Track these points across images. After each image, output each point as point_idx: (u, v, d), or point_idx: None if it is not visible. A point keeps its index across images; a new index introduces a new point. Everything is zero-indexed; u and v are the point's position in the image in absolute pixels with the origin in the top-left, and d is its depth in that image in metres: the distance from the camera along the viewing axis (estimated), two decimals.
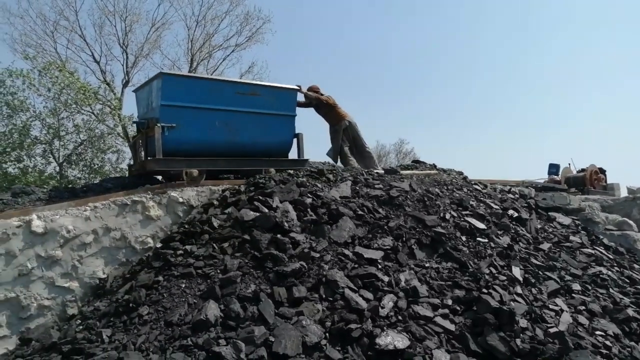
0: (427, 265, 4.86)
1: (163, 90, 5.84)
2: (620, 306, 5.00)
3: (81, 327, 3.99)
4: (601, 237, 7.07)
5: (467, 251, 5.22)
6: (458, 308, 4.33)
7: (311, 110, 8.37)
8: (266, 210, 4.95)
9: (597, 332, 4.42)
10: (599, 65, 56.20)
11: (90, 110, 14.04)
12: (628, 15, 53.91)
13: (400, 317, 4.03)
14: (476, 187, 7.26)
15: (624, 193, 10.55)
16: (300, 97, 7.86)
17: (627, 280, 5.78)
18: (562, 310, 4.60)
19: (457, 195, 6.50)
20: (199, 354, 3.42)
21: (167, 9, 22.34)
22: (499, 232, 5.89)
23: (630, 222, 7.52)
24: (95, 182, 10.20)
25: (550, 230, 6.70)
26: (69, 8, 16.80)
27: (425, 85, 54.94)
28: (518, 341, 3.90)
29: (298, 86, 7.54)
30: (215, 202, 5.55)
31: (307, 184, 5.75)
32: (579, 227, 7.15)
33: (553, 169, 12.80)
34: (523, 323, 4.12)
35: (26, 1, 17.99)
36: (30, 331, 4.21)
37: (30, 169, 12.59)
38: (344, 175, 6.39)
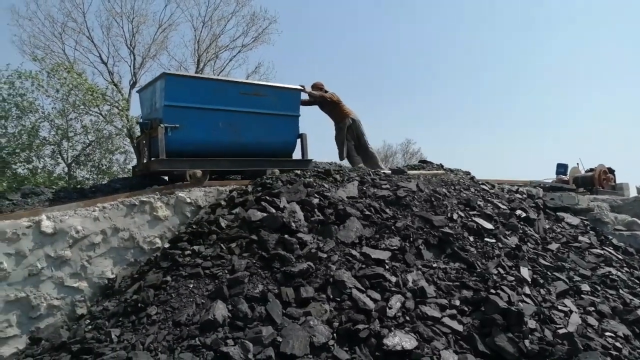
0: (434, 265, 4.85)
1: (166, 90, 5.84)
2: (630, 307, 4.96)
3: (90, 326, 4.01)
4: (610, 237, 7.01)
5: (475, 251, 5.20)
6: (466, 309, 4.31)
7: (315, 110, 8.35)
8: (273, 211, 4.96)
9: (607, 334, 4.39)
10: (606, 64, 55.83)
11: (98, 111, 14.14)
12: (630, 15, 53.44)
13: (407, 318, 4.02)
14: (483, 187, 7.23)
15: (633, 193, 10.48)
16: (304, 96, 7.84)
17: (637, 281, 5.73)
18: (571, 311, 4.57)
19: (465, 195, 6.48)
20: (207, 354, 3.43)
21: (174, 10, 22.33)
22: (507, 233, 5.86)
23: None
24: (103, 182, 10.27)
25: (559, 230, 6.66)
26: (76, 10, 16.92)
27: (432, 85, 54.83)
28: (527, 342, 3.88)
29: (302, 86, 7.52)
30: (223, 203, 5.57)
31: (314, 184, 5.76)
32: (588, 228, 7.10)
33: (561, 168, 12.73)
34: (531, 324, 4.10)
35: (35, 3, 18.07)
36: (40, 331, 4.24)
37: (39, 170, 12.68)
38: (350, 175, 6.39)
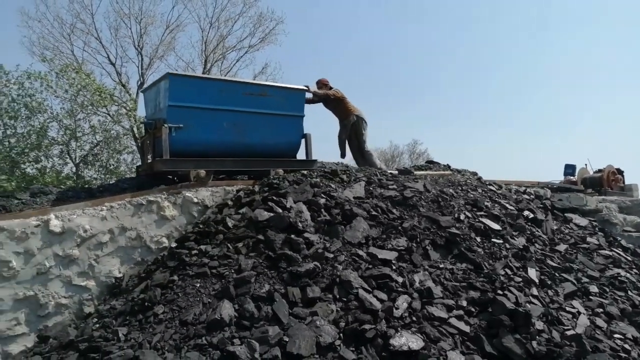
0: (441, 266, 4.83)
1: (170, 90, 5.84)
2: (639, 309, 4.92)
3: (98, 325, 4.04)
4: (619, 238, 6.96)
5: (482, 252, 5.18)
6: (473, 309, 4.29)
7: (320, 110, 8.29)
8: (280, 211, 4.96)
9: (616, 335, 4.35)
10: (614, 65, 55.39)
11: (106, 112, 14.22)
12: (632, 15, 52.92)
13: (414, 318, 4.01)
14: (491, 187, 7.20)
15: None
16: (309, 95, 7.79)
17: None
18: (579, 313, 4.54)
19: (472, 195, 6.45)
20: (214, 353, 3.44)
21: (181, 11, 22.52)
22: (514, 233, 5.83)
23: None
24: (111, 182, 10.32)
25: (567, 231, 6.61)
26: (85, 11, 17.08)
27: (439, 85, 54.66)
28: (534, 343, 3.86)
29: (306, 86, 7.49)
30: (230, 202, 5.58)
31: (321, 184, 5.76)
32: (596, 229, 7.04)
33: (569, 169, 12.62)
34: (539, 325, 4.08)
35: (44, 5, 18.27)
36: (48, 329, 4.28)
37: (47, 170, 12.77)
38: (357, 175, 6.38)
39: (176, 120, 5.84)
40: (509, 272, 4.90)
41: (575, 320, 4.41)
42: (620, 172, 11.24)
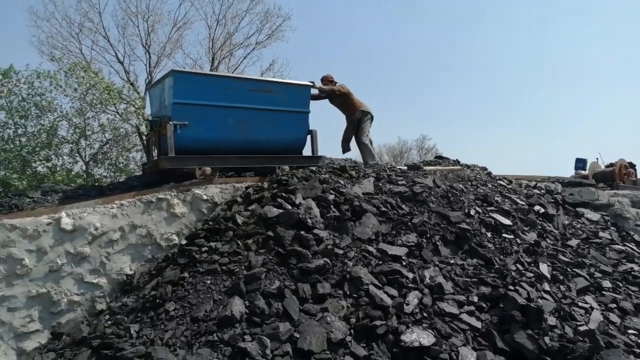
0: (452, 261, 4.81)
1: (175, 88, 5.82)
2: None
3: (110, 322, 4.07)
4: (632, 233, 6.90)
5: (493, 247, 5.15)
6: (484, 305, 4.27)
7: (326, 107, 8.25)
8: (289, 207, 4.96)
9: (630, 331, 4.31)
10: (626, 59, 54.74)
11: (115, 110, 14.28)
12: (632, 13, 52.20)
13: (425, 314, 4.00)
14: (501, 182, 7.15)
15: None
16: (314, 91, 7.74)
17: None
18: (592, 308, 4.50)
19: (482, 191, 6.41)
20: (225, 349, 3.45)
21: (188, 9, 22.37)
22: (525, 229, 5.79)
23: None
24: (120, 180, 10.38)
25: (579, 226, 6.56)
26: (93, 10, 17.11)
27: (448, 81, 54.31)
28: (547, 339, 3.83)
29: (311, 82, 7.44)
30: (239, 199, 5.58)
31: (330, 180, 5.74)
32: (609, 223, 6.97)
33: (580, 163, 12.48)
34: (552, 321, 4.05)
35: (52, 4, 18.32)
36: (61, 326, 4.32)
37: (58, 168, 12.87)
38: (366, 171, 6.36)
39: (181, 118, 5.83)
40: (520, 267, 4.87)
41: (588, 315, 4.37)
42: (632, 166, 11.08)
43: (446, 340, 3.76)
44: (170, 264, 4.69)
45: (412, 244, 4.84)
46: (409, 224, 5.14)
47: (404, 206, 5.47)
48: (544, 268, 4.96)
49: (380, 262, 4.50)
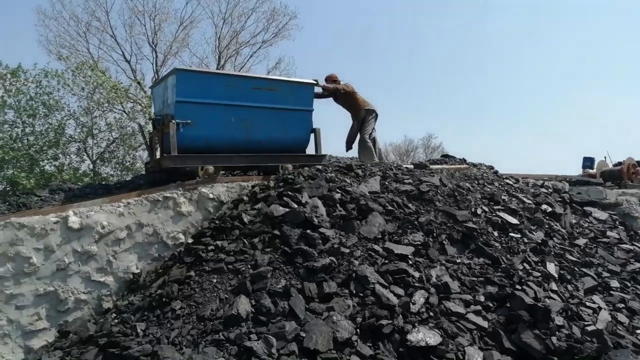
0: (458, 261, 4.79)
1: (178, 86, 5.81)
2: None
3: (116, 320, 4.09)
4: None
5: (500, 247, 5.12)
6: (491, 305, 4.25)
7: (329, 104, 8.20)
8: (295, 206, 4.96)
9: (638, 331, 4.28)
10: (635, 56, 54.23)
11: (122, 109, 14.35)
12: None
13: (431, 314, 3.98)
14: (507, 181, 7.11)
15: None
16: (318, 89, 7.70)
17: None
18: (600, 308, 4.47)
19: (489, 189, 6.38)
20: (231, 348, 3.45)
21: (195, 8, 22.50)
22: (533, 228, 5.75)
23: None
24: (127, 179, 10.42)
25: (586, 225, 6.51)
26: (100, 9, 17.20)
27: (454, 78, 54.09)
28: (554, 339, 3.81)
29: (315, 80, 7.40)
30: (245, 198, 5.59)
31: (336, 179, 5.73)
32: (617, 222, 6.92)
33: (587, 162, 12.40)
34: (559, 321, 4.02)
35: (60, 3, 18.38)
36: (68, 324, 4.34)
37: (65, 167, 12.93)
38: (372, 170, 6.35)
39: (184, 116, 5.81)
40: (527, 266, 4.84)
41: (596, 315, 4.34)
42: None
43: (452, 339, 3.75)
44: (176, 262, 4.70)
45: (418, 243, 4.82)
46: (416, 222, 5.12)
47: (410, 205, 5.45)
48: (551, 267, 4.93)
49: (386, 261, 4.49)
